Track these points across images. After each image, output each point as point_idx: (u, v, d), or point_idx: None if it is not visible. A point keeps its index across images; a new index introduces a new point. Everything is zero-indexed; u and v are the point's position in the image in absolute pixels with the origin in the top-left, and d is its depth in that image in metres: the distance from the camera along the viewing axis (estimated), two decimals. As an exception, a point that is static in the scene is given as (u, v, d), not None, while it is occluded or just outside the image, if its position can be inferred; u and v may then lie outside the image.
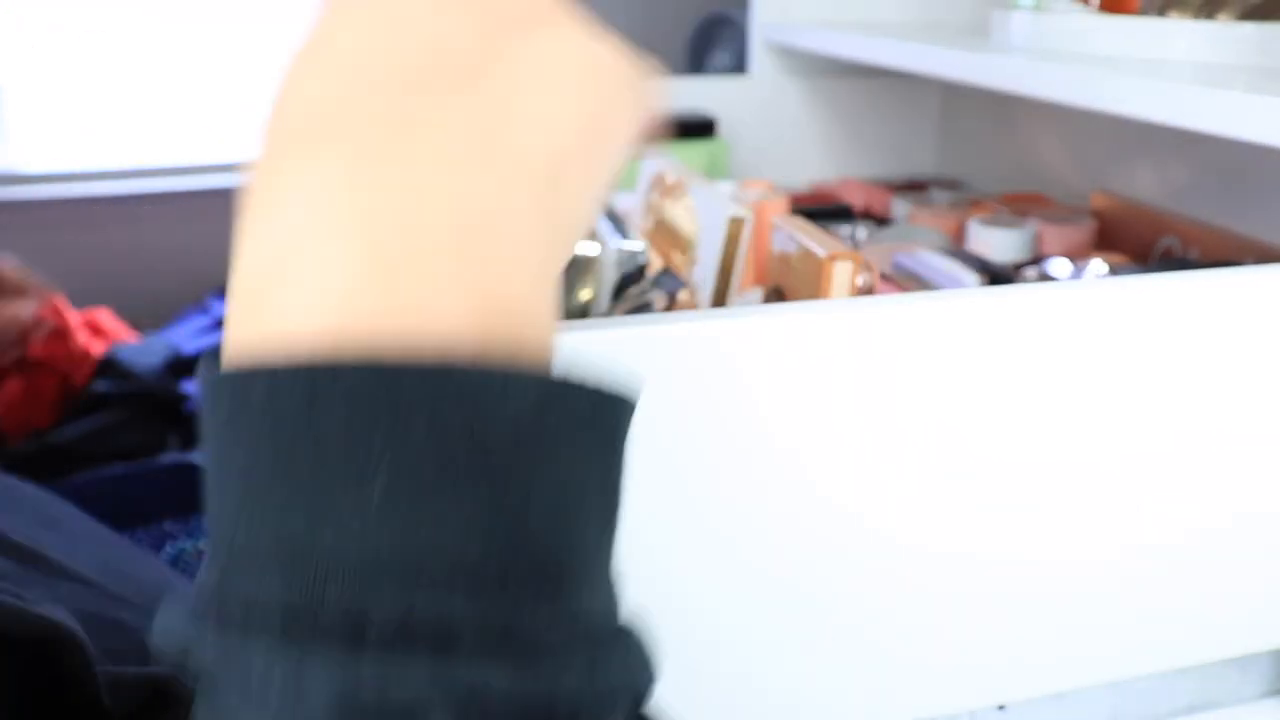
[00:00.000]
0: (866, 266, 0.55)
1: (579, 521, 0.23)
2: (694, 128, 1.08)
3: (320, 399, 0.21)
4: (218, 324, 2.40)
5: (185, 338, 2.31)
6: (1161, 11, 0.69)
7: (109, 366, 2.02)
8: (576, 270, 0.62)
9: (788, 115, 1.18)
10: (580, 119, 0.25)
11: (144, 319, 2.44)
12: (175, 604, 0.23)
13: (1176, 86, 0.56)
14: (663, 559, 0.41)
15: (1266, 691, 0.56)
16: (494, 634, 0.21)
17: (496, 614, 0.21)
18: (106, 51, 2.57)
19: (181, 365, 2.18)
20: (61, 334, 2.02)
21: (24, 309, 1.79)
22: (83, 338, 2.07)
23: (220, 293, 2.53)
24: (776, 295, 0.60)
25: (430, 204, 0.22)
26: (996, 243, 0.79)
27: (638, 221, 0.76)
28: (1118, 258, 0.77)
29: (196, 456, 1.88)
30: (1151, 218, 0.81)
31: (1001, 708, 0.52)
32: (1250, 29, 0.65)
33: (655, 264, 0.70)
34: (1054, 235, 0.81)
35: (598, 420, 0.24)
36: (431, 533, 0.21)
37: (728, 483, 0.40)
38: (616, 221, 0.68)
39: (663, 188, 0.71)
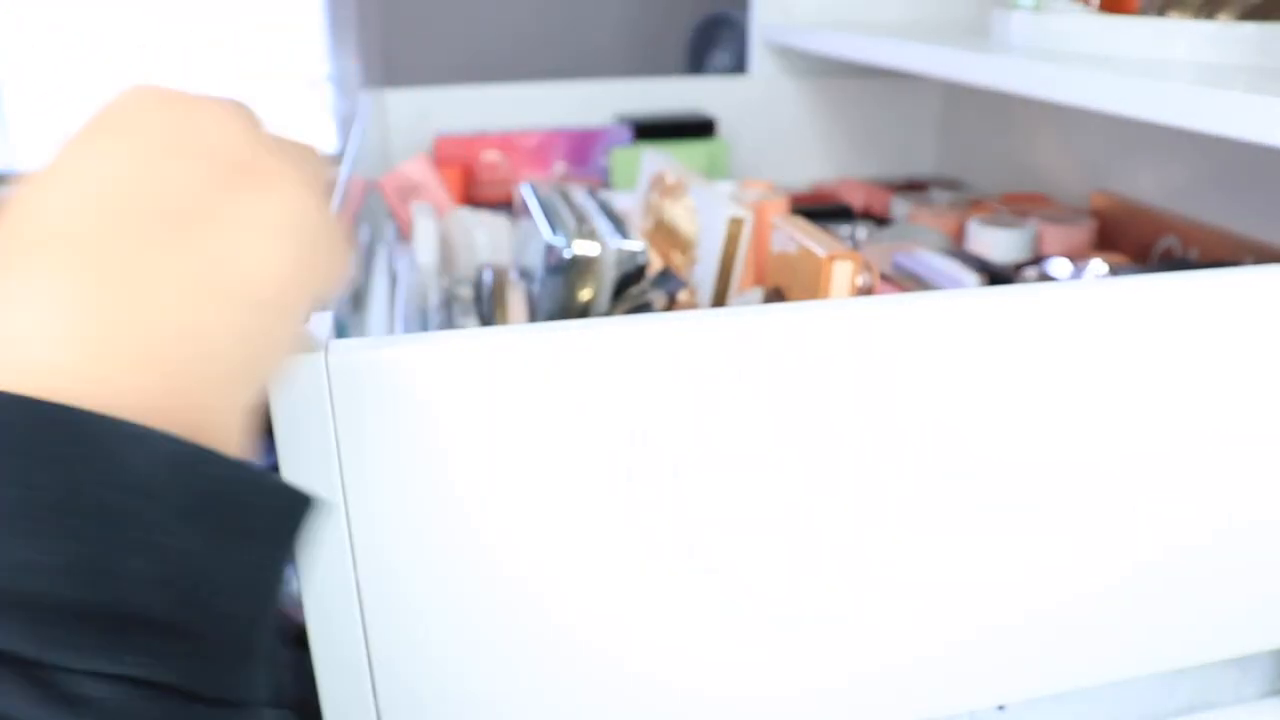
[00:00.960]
0: (866, 266, 0.55)
1: (199, 592, 0.25)
2: (694, 127, 1.08)
3: None
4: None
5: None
6: (1161, 11, 0.69)
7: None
8: (577, 270, 0.62)
9: (787, 115, 1.18)
10: (282, 263, 0.29)
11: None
12: None
13: (1176, 86, 0.56)
14: (665, 553, 0.41)
15: (1266, 692, 0.56)
16: (32, 678, 0.23)
17: (57, 654, 0.23)
18: (106, 51, 2.56)
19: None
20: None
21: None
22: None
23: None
24: (776, 295, 0.60)
25: (139, 316, 0.26)
26: (997, 243, 0.79)
27: (637, 221, 0.76)
28: (1117, 258, 0.77)
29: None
30: (1151, 218, 0.81)
31: (1001, 708, 0.52)
32: (1250, 29, 0.65)
33: (655, 264, 0.70)
34: (1054, 235, 0.81)
35: (237, 502, 0.27)
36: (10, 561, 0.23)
37: (732, 477, 0.40)
38: (616, 221, 0.68)
39: (662, 188, 0.71)
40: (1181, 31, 0.66)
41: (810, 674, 0.45)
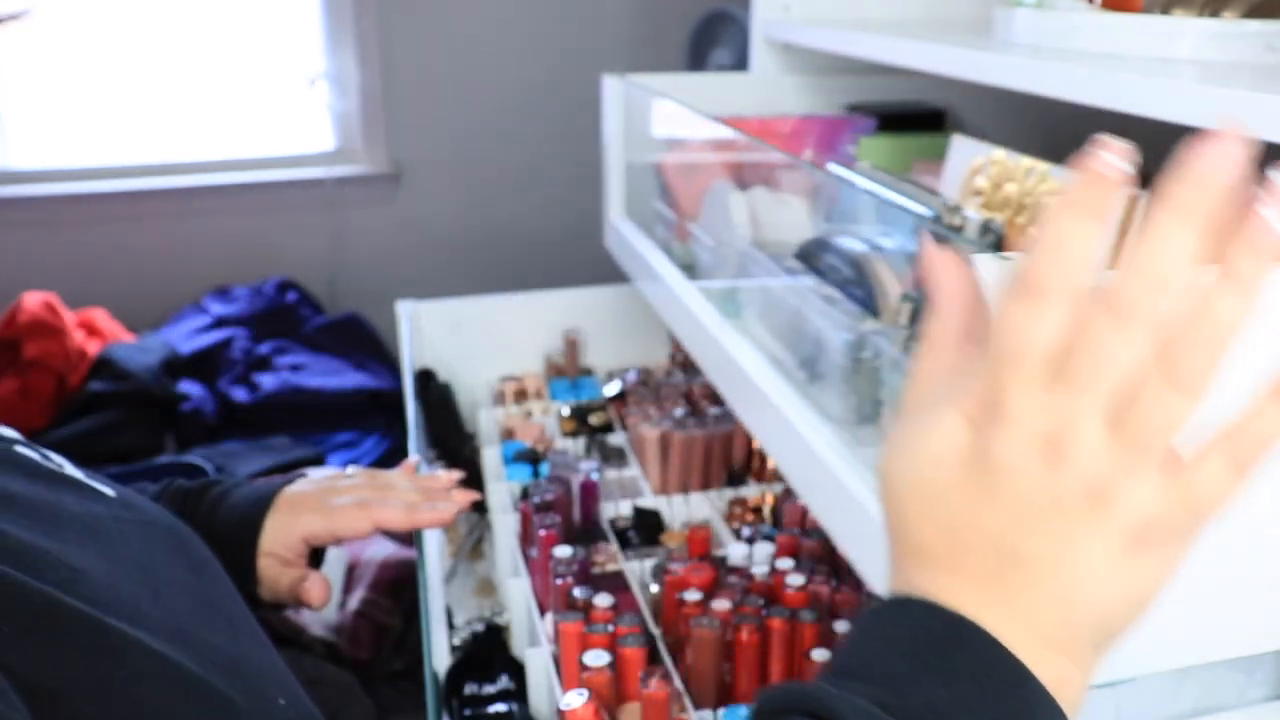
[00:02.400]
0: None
1: None
2: (928, 118, 1.07)
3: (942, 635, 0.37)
4: (215, 324, 2.29)
5: (182, 338, 2.19)
6: (1165, 9, 0.68)
7: (104, 366, 1.90)
8: (951, 245, 0.64)
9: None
10: (1112, 609, 0.38)
11: (140, 319, 2.30)
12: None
13: (1181, 84, 0.55)
14: None
15: (1271, 694, 0.55)
16: None
17: None
18: (104, 51, 2.44)
19: (178, 365, 2.06)
20: (57, 333, 1.89)
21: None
22: (78, 337, 1.94)
23: (217, 292, 2.42)
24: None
25: (1021, 624, 0.37)
26: None
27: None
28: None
29: (192, 457, 1.79)
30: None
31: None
32: (1254, 26, 0.64)
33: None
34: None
35: None
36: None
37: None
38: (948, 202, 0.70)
39: (1002, 170, 0.74)
40: (1185, 29, 0.65)
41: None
